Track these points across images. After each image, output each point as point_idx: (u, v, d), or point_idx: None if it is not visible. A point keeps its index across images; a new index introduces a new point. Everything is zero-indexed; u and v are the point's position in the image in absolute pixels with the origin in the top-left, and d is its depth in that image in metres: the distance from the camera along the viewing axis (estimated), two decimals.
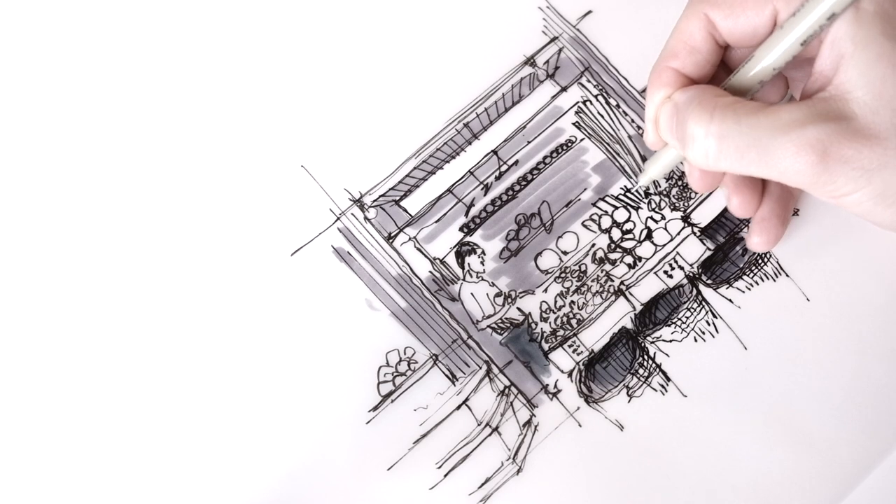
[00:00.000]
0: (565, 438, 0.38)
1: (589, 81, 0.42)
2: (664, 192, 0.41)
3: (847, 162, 0.30)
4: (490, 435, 0.38)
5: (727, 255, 0.40)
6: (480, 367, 0.39)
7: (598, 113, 0.42)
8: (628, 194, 0.41)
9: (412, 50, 0.42)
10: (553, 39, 0.42)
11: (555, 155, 0.42)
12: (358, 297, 0.39)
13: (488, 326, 0.40)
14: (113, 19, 0.42)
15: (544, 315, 0.40)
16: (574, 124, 0.42)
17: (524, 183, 0.41)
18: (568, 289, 0.40)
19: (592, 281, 0.40)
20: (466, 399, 0.39)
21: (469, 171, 0.41)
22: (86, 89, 0.41)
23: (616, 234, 0.41)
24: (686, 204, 0.41)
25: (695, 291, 0.40)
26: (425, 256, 0.40)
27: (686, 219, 0.41)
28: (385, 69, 0.42)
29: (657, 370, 0.39)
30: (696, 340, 0.40)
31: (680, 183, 0.41)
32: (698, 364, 0.39)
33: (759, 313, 0.40)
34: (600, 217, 0.41)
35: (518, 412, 0.39)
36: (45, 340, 0.38)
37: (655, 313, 0.40)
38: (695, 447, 0.38)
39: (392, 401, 0.38)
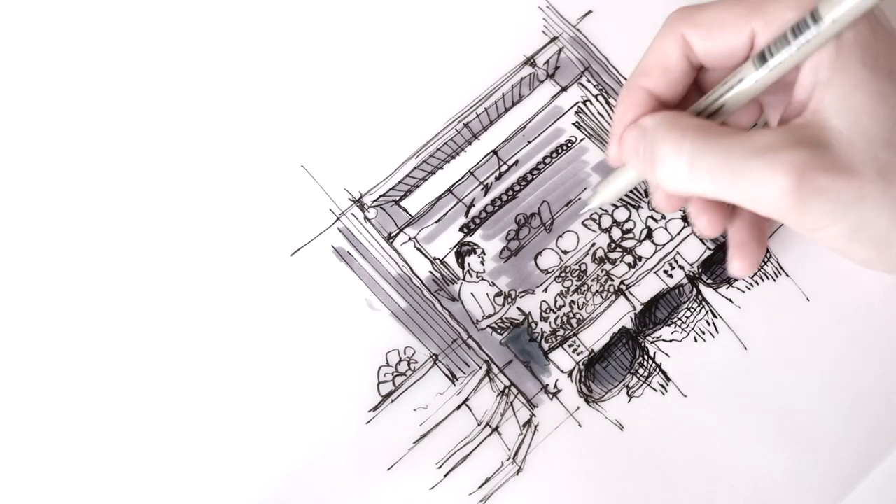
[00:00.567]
0: (565, 438, 0.38)
1: (589, 81, 0.42)
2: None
3: (822, 192, 0.29)
4: (490, 435, 0.38)
5: (728, 254, 0.40)
6: (480, 367, 0.39)
7: (599, 113, 0.42)
8: (629, 194, 0.41)
9: (412, 50, 0.42)
10: (553, 39, 0.42)
11: (555, 155, 0.42)
12: (358, 297, 0.39)
13: (488, 326, 0.40)
14: (113, 19, 0.42)
15: (544, 315, 0.40)
16: (574, 124, 0.42)
17: (524, 183, 0.41)
18: (568, 288, 0.40)
19: (592, 280, 0.40)
20: (466, 399, 0.39)
21: (469, 171, 0.41)
22: (85, 90, 0.41)
23: (616, 233, 0.41)
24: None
25: (695, 291, 0.40)
26: (425, 256, 0.40)
27: (686, 218, 0.41)
28: (385, 69, 0.42)
29: (657, 370, 0.39)
30: (696, 340, 0.40)
31: None
32: (698, 364, 0.39)
33: (759, 313, 0.40)
34: (600, 216, 0.41)
35: (518, 412, 0.39)
36: (46, 341, 0.38)
37: (655, 313, 0.40)
38: (695, 447, 0.38)
39: (392, 401, 0.38)
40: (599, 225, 0.41)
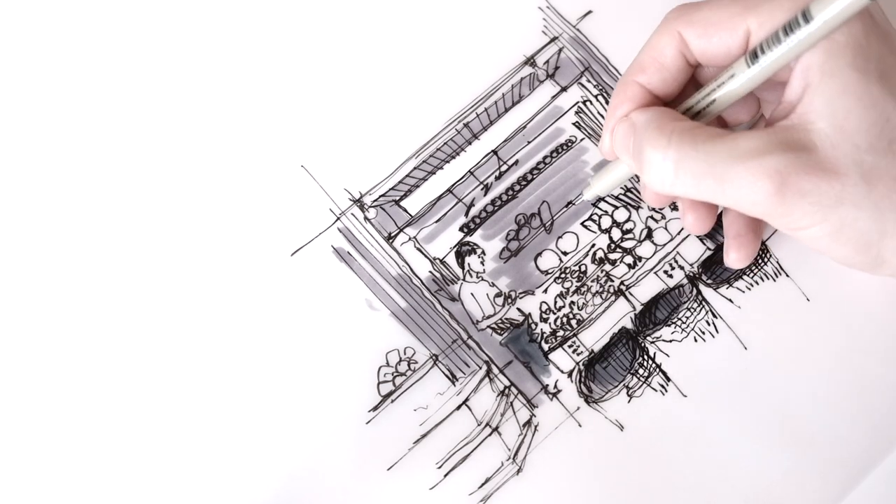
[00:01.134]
0: (565, 438, 0.38)
1: (589, 81, 0.42)
2: None
3: (804, 195, 0.29)
4: (490, 435, 0.38)
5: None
6: (480, 368, 0.39)
7: (599, 113, 0.42)
8: (628, 194, 0.41)
9: (412, 50, 0.42)
10: (553, 39, 0.42)
11: (555, 155, 0.42)
12: (358, 297, 0.39)
13: (488, 327, 0.40)
14: (113, 20, 0.42)
15: (544, 315, 0.40)
16: (574, 124, 0.42)
17: (524, 183, 0.41)
18: (568, 289, 0.40)
19: (592, 281, 0.40)
20: (466, 399, 0.39)
21: (469, 171, 0.41)
22: (85, 90, 0.41)
23: (616, 233, 0.41)
24: None
25: (695, 291, 0.40)
26: (425, 256, 0.40)
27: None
28: (385, 69, 0.42)
29: (657, 370, 0.39)
30: (696, 340, 0.40)
31: None
32: (698, 364, 0.39)
33: (759, 313, 0.40)
34: (600, 217, 0.41)
35: (518, 412, 0.39)
36: (46, 341, 0.38)
37: (655, 313, 0.40)
38: (695, 447, 0.38)
39: (392, 401, 0.38)
40: (599, 226, 0.41)
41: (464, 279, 0.40)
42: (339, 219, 0.40)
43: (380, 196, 0.41)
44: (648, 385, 0.39)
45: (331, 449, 0.38)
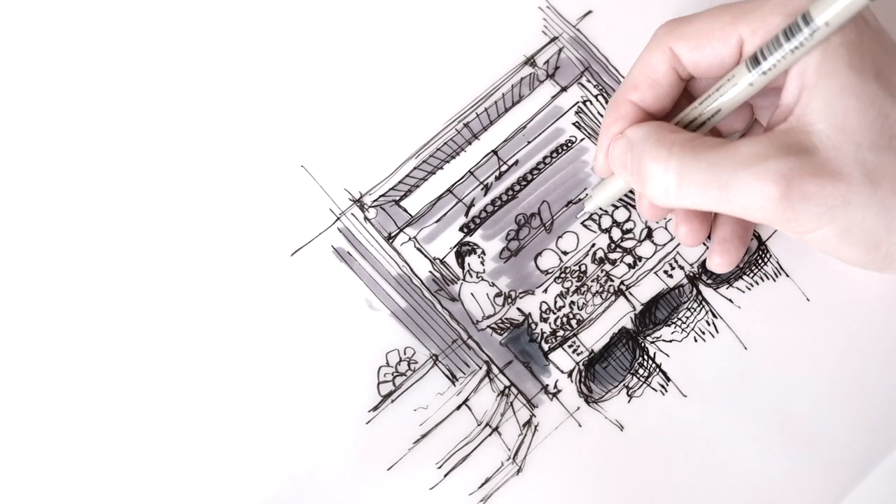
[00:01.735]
0: (565, 438, 0.38)
1: (589, 81, 0.42)
2: None
3: (810, 198, 0.29)
4: (490, 435, 0.38)
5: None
6: (480, 368, 0.39)
7: (599, 113, 0.42)
8: (628, 194, 0.41)
9: (412, 50, 0.42)
10: (553, 39, 0.42)
11: (555, 155, 0.42)
12: (358, 297, 0.39)
13: (488, 327, 0.40)
14: (112, 20, 0.42)
15: (544, 315, 0.40)
16: (574, 124, 0.42)
17: (524, 183, 0.41)
18: (568, 289, 0.40)
19: (592, 281, 0.40)
20: (466, 399, 0.39)
21: (469, 171, 0.41)
22: (85, 90, 0.41)
23: (616, 233, 0.41)
24: None
25: (695, 291, 0.40)
26: (425, 256, 0.40)
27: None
28: (385, 69, 0.42)
29: (657, 370, 0.39)
30: (696, 340, 0.40)
31: None
32: (698, 364, 0.39)
33: (759, 313, 0.40)
34: (600, 217, 0.41)
35: (518, 412, 0.39)
36: (46, 341, 0.38)
37: (655, 313, 0.40)
38: (695, 447, 0.38)
39: (392, 401, 0.38)
40: (599, 225, 0.41)
41: (464, 279, 0.40)
42: (339, 219, 0.40)
43: (380, 196, 0.41)
44: (648, 385, 0.39)
45: (331, 449, 0.38)
